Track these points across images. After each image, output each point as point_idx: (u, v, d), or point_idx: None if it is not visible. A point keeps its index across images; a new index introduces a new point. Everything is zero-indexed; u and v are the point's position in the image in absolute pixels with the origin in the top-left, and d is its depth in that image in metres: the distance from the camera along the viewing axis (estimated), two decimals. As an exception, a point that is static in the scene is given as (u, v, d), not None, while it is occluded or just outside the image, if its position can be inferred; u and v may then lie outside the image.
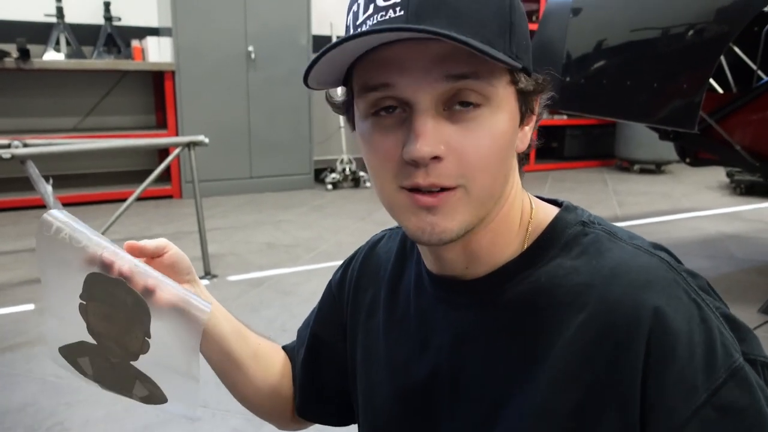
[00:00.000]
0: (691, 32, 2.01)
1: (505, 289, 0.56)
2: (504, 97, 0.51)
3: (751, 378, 0.48)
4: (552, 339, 0.52)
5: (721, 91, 2.93)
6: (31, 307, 2.34)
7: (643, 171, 5.61)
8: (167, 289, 0.56)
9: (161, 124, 4.46)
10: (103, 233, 2.47)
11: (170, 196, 4.29)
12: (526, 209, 0.59)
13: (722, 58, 2.68)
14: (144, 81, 4.53)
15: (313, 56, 0.49)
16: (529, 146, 0.58)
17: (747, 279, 2.77)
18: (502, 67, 0.49)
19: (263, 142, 4.48)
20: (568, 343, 0.51)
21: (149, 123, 4.61)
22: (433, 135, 0.48)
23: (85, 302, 0.57)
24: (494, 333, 0.57)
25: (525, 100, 0.53)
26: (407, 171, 0.49)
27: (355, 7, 0.50)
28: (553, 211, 0.59)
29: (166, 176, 4.26)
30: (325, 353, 0.74)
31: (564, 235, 0.56)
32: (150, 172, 2.79)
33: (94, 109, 4.39)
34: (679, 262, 0.55)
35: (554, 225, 0.57)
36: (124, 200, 2.84)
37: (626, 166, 5.76)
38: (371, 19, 0.48)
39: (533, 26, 3.79)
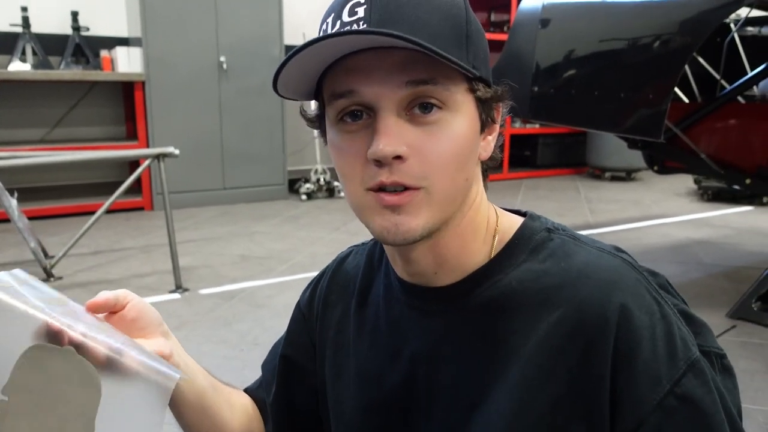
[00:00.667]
0: (656, 43, 2.06)
1: (476, 294, 0.58)
2: (463, 103, 0.54)
3: (706, 369, 0.52)
4: (525, 339, 0.55)
5: (687, 100, 3.00)
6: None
7: (614, 178, 5.71)
8: (129, 355, 0.48)
9: (131, 135, 4.40)
10: (71, 247, 2.39)
11: (141, 208, 4.23)
12: (491, 218, 0.61)
13: (687, 68, 2.75)
14: (113, 92, 4.46)
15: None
16: (493, 158, 0.61)
17: (715, 284, 2.83)
18: (460, 75, 0.53)
19: (236, 152, 4.44)
20: (542, 342, 0.54)
21: (119, 134, 4.54)
22: (395, 135, 0.51)
23: (6, 398, 0.46)
24: (467, 337, 0.58)
25: (485, 107, 0.57)
26: (372, 171, 0.52)
27: (324, 25, 0.54)
28: (519, 219, 0.62)
29: (137, 188, 4.19)
30: (296, 376, 0.74)
31: (531, 241, 0.59)
32: (120, 183, 2.74)
33: (63, 120, 4.31)
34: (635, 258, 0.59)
35: (521, 232, 0.60)
36: (93, 213, 2.79)
37: (598, 173, 5.86)
38: (341, 28, 0.52)
39: (504, 36, 3.83)
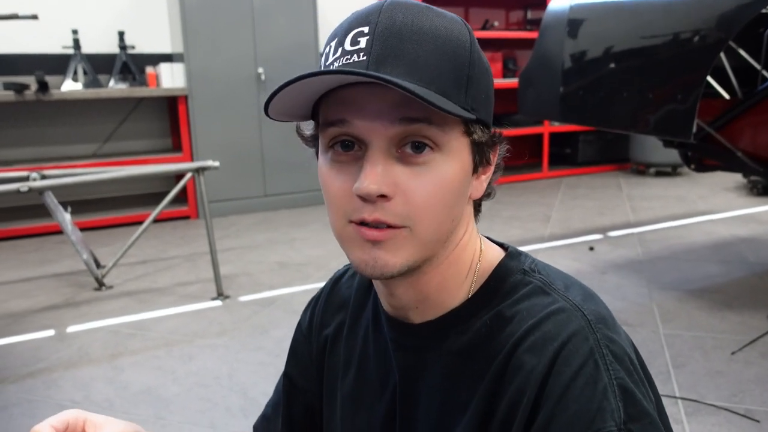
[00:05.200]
0: (683, 42, 2.02)
1: (449, 336, 0.59)
2: (456, 146, 0.53)
3: None
4: (478, 387, 0.55)
5: (727, 96, 2.91)
6: (51, 333, 2.43)
7: (659, 174, 5.56)
8: None
9: (177, 147, 4.58)
10: (120, 257, 2.56)
11: (187, 217, 4.40)
12: (476, 254, 0.61)
13: (725, 62, 2.67)
14: (159, 106, 4.66)
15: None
16: (489, 194, 0.61)
17: (759, 284, 2.74)
18: (456, 117, 0.52)
19: (276, 160, 4.56)
20: (485, 390, 0.54)
21: (165, 146, 4.73)
22: (382, 174, 0.51)
23: None
24: (439, 378, 0.59)
25: (480, 151, 0.56)
26: (357, 205, 0.52)
27: (327, 49, 0.54)
28: (499, 256, 0.61)
29: (183, 198, 4.37)
30: (297, 394, 0.76)
31: (506, 284, 0.59)
32: (167, 194, 2.87)
33: (112, 136, 4.52)
34: (609, 318, 0.55)
35: (497, 272, 0.60)
36: (142, 223, 2.93)
37: (642, 169, 5.71)
38: (338, 61, 0.52)
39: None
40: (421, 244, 0.53)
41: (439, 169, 0.52)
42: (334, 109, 0.52)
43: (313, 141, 0.60)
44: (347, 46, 0.52)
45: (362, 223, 0.52)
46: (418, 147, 0.51)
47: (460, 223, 0.57)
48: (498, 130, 0.58)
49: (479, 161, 0.57)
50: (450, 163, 0.53)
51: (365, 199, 0.51)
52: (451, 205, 0.54)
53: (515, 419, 0.51)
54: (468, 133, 0.54)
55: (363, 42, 0.51)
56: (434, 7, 0.54)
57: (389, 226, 0.52)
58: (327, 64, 0.53)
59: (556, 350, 0.51)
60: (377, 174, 0.50)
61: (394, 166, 0.52)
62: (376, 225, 0.52)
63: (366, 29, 0.51)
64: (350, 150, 0.53)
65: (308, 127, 0.60)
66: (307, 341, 0.76)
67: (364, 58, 0.50)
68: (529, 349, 0.52)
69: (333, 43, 0.53)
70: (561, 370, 0.50)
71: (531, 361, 0.52)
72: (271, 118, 0.55)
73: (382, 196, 0.51)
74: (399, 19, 0.51)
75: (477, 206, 0.62)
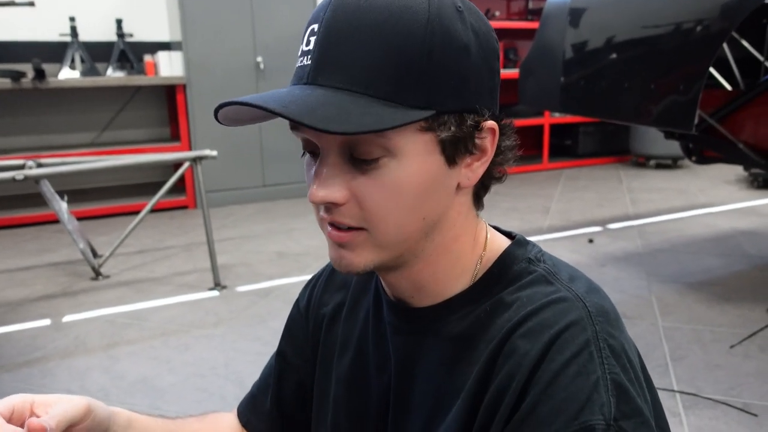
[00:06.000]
0: (685, 32, 2.00)
1: (449, 321, 0.58)
2: (413, 146, 0.50)
3: None
4: (473, 371, 0.54)
5: (729, 87, 2.89)
6: (47, 322, 2.42)
7: (659, 166, 5.54)
8: None
9: (175, 136, 4.55)
10: (117, 246, 2.57)
11: (185, 207, 4.38)
12: (479, 241, 0.59)
13: (728, 53, 2.65)
14: (157, 95, 4.63)
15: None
16: (499, 178, 0.59)
17: (759, 276, 2.74)
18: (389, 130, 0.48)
19: (275, 150, 4.54)
20: (478, 374, 0.53)
21: (163, 135, 4.71)
22: (331, 180, 0.51)
23: None
24: (435, 363, 0.58)
25: (453, 142, 0.52)
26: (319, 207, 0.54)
27: (303, 41, 0.53)
28: (505, 244, 0.60)
29: (180, 187, 4.35)
30: (289, 372, 0.75)
31: (510, 272, 0.57)
32: (165, 183, 2.85)
33: (110, 124, 4.50)
34: (612, 313, 0.53)
35: (502, 260, 0.58)
36: (139, 212, 2.92)
37: (642, 161, 5.70)
38: (298, 61, 0.52)
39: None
40: (383, 246, 0.53)
41: (391, 174, 0.50)
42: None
43: None
44: (303, 46, 0.51)
45: (331, 224, 0.53)
46: (365, 155, 0.50)
47: (446, 215, 0.55)
48: (475, 116, 0.52)
49: (456, 152, 0.52)
50: (404, 165, 0.50)
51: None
52: (412, 207, 0.52)
53: (502, 403, 0.49)
54: (429, 128, 0.50)
55: (312, 43, 0.50)
56: None
57: (350, 228, 0.52)
58: (299, 56, 0.53)
59: (551, 337, 0.49)
60: (326, 181, 0.51)
61: (348, 171, 0.51)
62: (338, 226, 0.52)
63: (316, 27, 0.50)
64: (316, 157, 0.53)
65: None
66: (304, 318, 0.75)
67: (309, 63, 0.50)
68: (524, 335, 0.51)
69: (304, 39, 0.52)
70: (553, 357, 0.48)
71: (524, 346, 0.50)
72: (221, 123, 0.55)
73: (334, 203, 0.51)
74: (341, 16, 0.49)
75: (477, 193, 0.59)
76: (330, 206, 0.52)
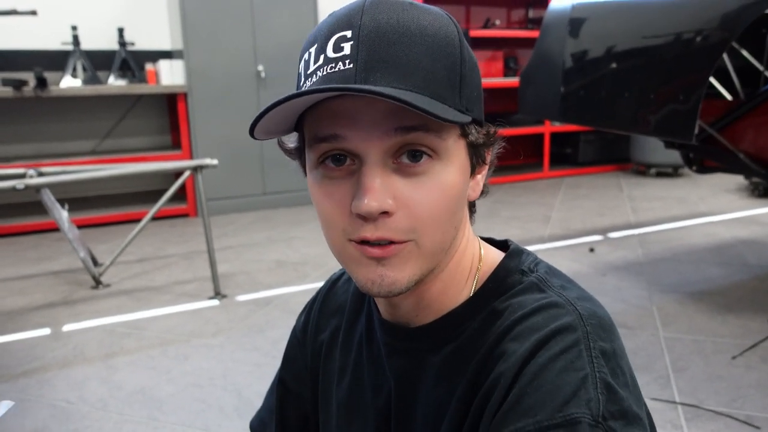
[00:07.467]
0: (685, 43, 2.00)
1: (444, 338, 0.57)
2: (454, 149, 0.51)
3: None
4: (465, 379, 0.54)
5: (729, 97, 2.89)
6: (47, 331, 2.41)
7: (659, 175, 5.54)
8: None
9: (176, 144, 4.56)
10: (118, 255, 2.56)
11: (186, 215, 4.38)
12: (476, 256, 0.59)
13: (728, 63, 2.65)
14: (158, 103, 4.64)
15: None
16: (483, 193, 0.59)
17: (760, 286, 2.72)
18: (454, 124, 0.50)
19: (275, 158, 4.54)
20: (469, 380, 0.54)
21: (165, 143, 4.72)
22: (381, 190, 0.48)
23: None
24: (432, 381, 0.58)
25: (476, 151, 0.54)
26: (356, 224, 0.49)
27: (306, 56, 0.51)
28: (499, 257, 0.60)
29: (181, 195, 4.35)
30: (291, 400, 0.75)
31: (503, 285, 0.57)
32: (166, 191, 2.85)
33: (112, 132, 4.51)
34: (605, 319, 0.52)
35: (496, 273, 0.58)
36: (140, 221, 2.91)
37: (642, 170, 5.69)
38: (321, 70, 0.49)
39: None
40: (427, 256, 0.52)
41: (439, 176, 0.50)
42: (325, 124, 0.49)
43: (297, 153, 0.57)
44: (330, 53, 0.48)
45: (364, 242, 0.50)
46: (415, 156, 0.49)
47: (460, 228, 0.56)
48: (492, 127, 0.55)
49: (476, 162, 0.55)
50: (449, 168, 0.50)
51: (366, 217, 0.48)
52: (454, 212, 0.52)
53: (490, 400, 0.49)
54: (464, 134, 0.52)
55: (347, 48, 0.48)
56: (417, 3, 0.51)
57: (392, 242, 0.49)
58: (309, 72, 0.50)
59: (540, 338, 0.49)
60: (376, 190, 0.47)
61: (393, 179, 0.49)
62: (379, 243, 0.49)
63: (349, 33, 0.48)
64: (342, 164, 0.50)
65: (290, 139, 0.57)
66: (302, 346, 0.74)
67: (351, 66, 0.47)
68: (515, 338, 0.51)
69: (313, 50, 0.50)
70: (542, 354, 0.48)
71: (513, 347, 0.50)
72: (255, 138, 0.52)
73: (384, 213, 0.48)
74: (383, 20, 0.48)
75: (471, 206, 0.60)
76: (377, 219, 0.49)
